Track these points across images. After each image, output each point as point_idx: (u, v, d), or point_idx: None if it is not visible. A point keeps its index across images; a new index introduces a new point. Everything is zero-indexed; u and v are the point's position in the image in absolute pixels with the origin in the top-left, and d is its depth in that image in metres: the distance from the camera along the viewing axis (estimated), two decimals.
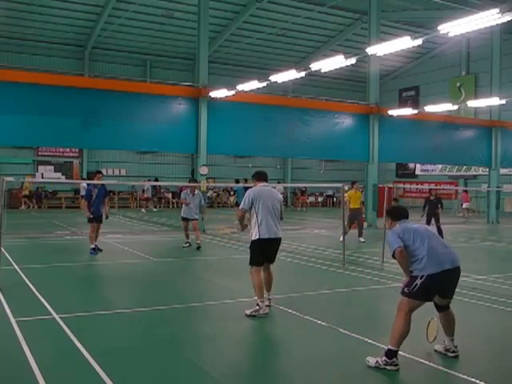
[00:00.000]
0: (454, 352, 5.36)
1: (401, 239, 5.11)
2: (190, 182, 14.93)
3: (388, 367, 4.97)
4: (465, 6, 22.02)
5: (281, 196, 7.44)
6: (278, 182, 23.61)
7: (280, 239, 7.16)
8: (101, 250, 12.25)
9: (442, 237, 16.19)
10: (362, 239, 15.35)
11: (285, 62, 32.35)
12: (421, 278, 5.03)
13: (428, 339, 5.54)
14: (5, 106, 15.56)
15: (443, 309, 5.38)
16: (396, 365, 5.00)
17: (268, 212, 6.97)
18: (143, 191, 30.45)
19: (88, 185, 12.99)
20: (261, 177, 7.29)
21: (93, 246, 12.04)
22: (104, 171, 31.99)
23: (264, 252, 7.02)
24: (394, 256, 5.15)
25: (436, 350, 5.50)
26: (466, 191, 27.73)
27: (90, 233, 12.10)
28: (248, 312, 6.81)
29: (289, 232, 18.18)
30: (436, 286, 5.11)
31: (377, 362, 5.02)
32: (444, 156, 24.07)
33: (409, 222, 5.40)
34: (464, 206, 27.35)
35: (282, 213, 7.29)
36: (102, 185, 12.46)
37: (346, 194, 14.17)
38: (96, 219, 12.07)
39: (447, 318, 5.40)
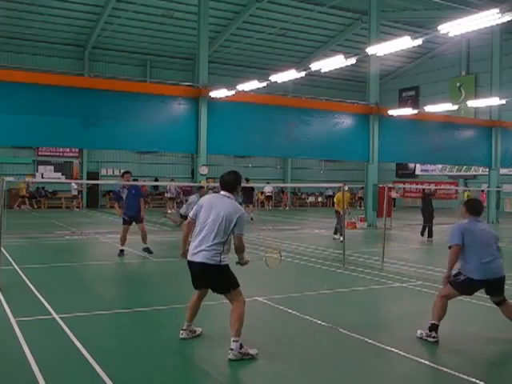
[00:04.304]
0: None
1: (462, 236, 5.63)
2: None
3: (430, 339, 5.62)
4: (465, 6, 22.01)
5: (236, 211, 5.28)
6: (214, 181, 20.05)
7: (209, 266, 5.18)
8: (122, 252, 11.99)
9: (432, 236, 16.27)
10: (339, 237, 15.06)
11: (285, 62, 32.32)
12: (464, 276, 5.71)
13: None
14: (5, 106, 15.56)
15: (499, 304, 5.96)
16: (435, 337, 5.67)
17: (204, 225, 5.29)
18: (166, 191, 30.50)
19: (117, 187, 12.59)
20: (222, 185, 5.48)
21: (121, 248, 11.89)
22: (104, 171, 32.13)
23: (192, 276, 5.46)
24: (449, 247, 5.74)
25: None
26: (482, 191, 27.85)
27: (122, 234, 11.91)
28: None
29: (289, 232, 18.19)
30: (474, 288, 5.80)
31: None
32: (444, 156, 24.08)
33: (479, 221, 5.89)
34: None
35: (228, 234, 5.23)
36: (132, 185, 12.10)
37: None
38: (129, 221, 11.88)
39: (506, 310, 5.96)
